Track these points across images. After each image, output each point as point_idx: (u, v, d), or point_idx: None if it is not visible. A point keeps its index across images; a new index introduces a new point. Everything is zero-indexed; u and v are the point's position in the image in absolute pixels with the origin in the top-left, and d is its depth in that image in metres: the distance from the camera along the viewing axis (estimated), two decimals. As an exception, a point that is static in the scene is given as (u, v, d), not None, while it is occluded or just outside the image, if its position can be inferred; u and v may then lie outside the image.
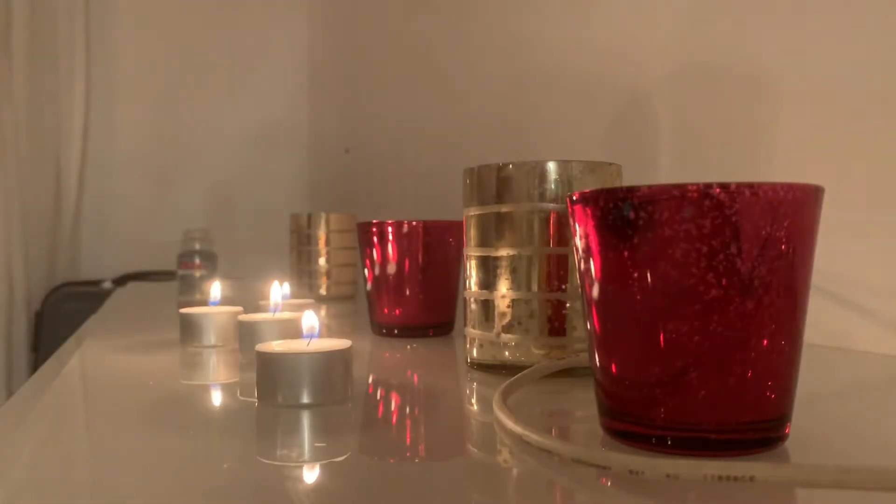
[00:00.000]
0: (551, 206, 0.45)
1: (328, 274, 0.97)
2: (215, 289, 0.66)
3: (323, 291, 0.97)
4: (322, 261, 0.97)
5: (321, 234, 0.98)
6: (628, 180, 0.44)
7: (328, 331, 0.69)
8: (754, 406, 0.29)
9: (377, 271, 0.63)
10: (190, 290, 1.12)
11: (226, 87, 1.83)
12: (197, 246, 1.20)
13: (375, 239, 0.63)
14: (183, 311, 0.60)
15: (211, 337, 0.58)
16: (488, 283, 0.47)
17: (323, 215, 0.99)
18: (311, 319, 0.43)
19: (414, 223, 0.62)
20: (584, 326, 0.41)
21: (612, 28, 0.78)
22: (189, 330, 0.59)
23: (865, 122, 0.52)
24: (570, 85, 0.85)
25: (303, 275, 0.98)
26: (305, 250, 0.98)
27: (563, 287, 0.45)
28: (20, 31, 1.58)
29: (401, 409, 0.42)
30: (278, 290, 0.57)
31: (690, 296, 0.28)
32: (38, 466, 0.32)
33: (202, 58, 1.81)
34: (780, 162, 0.58)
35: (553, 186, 0.45)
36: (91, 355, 0.62)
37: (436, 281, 0.63)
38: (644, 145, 0.72)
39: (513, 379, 0.39)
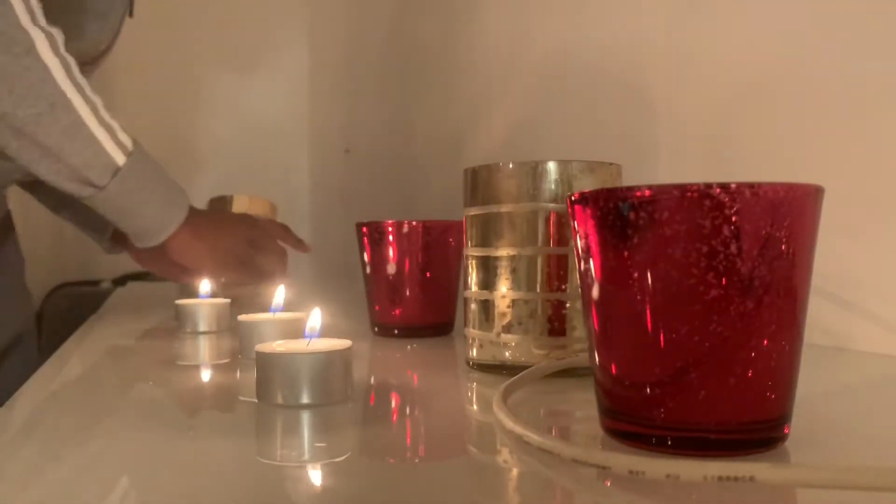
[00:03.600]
0: (551, 206, 0.45)
1: None
2: (204, 285, 0.71)
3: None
4: None
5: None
6: (628, 180, 0.44)
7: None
8: (754, 406, 0.29)
9: (377, 271, 0.63)
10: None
11: (226, 87, 1.83)
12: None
13: (375, 239, 0.63)
14: (178, 301, 0.68)
15: (202, 324, 0.66)
16: (488, 283, 0.47)
17: (242, 198, 0.96)
18: (315, 320, 0.43)
19: (414, 223, 0.62)
20: (584, 326, 0.41)
21: (612, 28, 0.78)
22: (183, 318, 0.67)
23: (865, 122, 0.52)
24: (569, 85, 0.85)
25: None
26: None
27: (563, 287, 0.45)
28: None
29: (401, 409, 0.42)
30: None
31: (690, 296, 0.28)
32: (39, 466, 0.32)
33: (202, 58, 1.81)
34: (780, 162, 0.58)
35: (553, 186, 0.45)
36: (91, 355, 0.62)
37: (436, 281, 0.63)
38: (644, 145, 0.72)
39: (513, 379, 0.39)
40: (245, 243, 0.80)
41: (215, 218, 0.85)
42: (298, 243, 0.90)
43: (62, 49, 0.66)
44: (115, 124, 0.69)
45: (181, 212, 0.75)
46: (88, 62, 0.84)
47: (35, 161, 0.67)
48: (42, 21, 0.65)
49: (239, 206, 0.96)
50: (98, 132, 0.67)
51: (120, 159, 0.69)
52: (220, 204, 0.98)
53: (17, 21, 0.63)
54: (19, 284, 0.95)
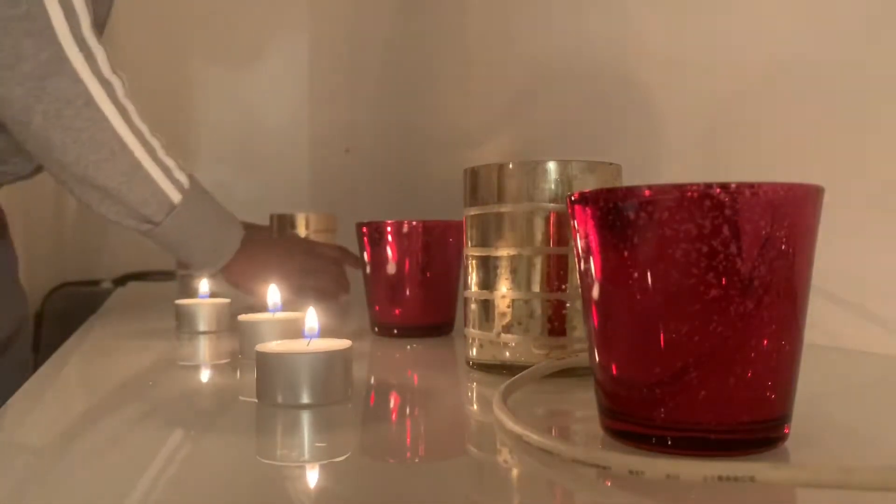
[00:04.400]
0: (551, 206, 0.45)
1: None
2: (203, 285, 0.72)
3: None
4: None
5: (301, 235, 1.00)
6: (628, 180, 0.44)
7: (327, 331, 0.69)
8: (754, 406, 0.29)
9: (377, 271, 0.63)
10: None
11: (226, 87, 1.83)
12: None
13: (375, 239, 0.63)
14: (178, 301, 0.67)
15: (202, 324, 0.66)
16: (488, 283, 0.47)
17: (303, 216, 1.00)
18: (312, 320, 0.43)
19: (414, 223, 0.62)
20: (584, 326, 0.41)
21: (612, 28, 0.78)
22: (183, 318, 0.66)
23: (865, 122, 0.52)
24: (570, 85, 0.85)
25: None
26: None
27: (563, 287, 0.45)
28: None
29: (401, 409, 0.42)
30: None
31: (690, 296, 0.28)
32: (39, 467, 0.32)
33: (202, 58, 1.81)
34: (780, 162, 0.58)
35: (553, 186, 0.45)
36: (91, 355, 0.62)
37: (436, 281, 0.63)
38: (644, 145, 0.72)
39: (513, 379, 0.39)
40: (298, 269, 0.85)
41: (270, 246, 0.89)
42: (357, 262, 0.92)
43: (121, 96, 0.71)
44: (171, 164, 0.74)
45: (234, 243, 0.80)
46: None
47: (97, 202, 0.73)
48: (105, 71, 0.70)
49: (301, 222, 1.00)
50: (155, 173, 0.73)
51: (175, 197, 0.74)
52: (283, 221, 1.02)
53: (76, 75, 0.68)
54: (13, 284, 0.95)
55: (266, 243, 0.88)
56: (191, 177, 0.77)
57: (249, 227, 0.85)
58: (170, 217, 0.74)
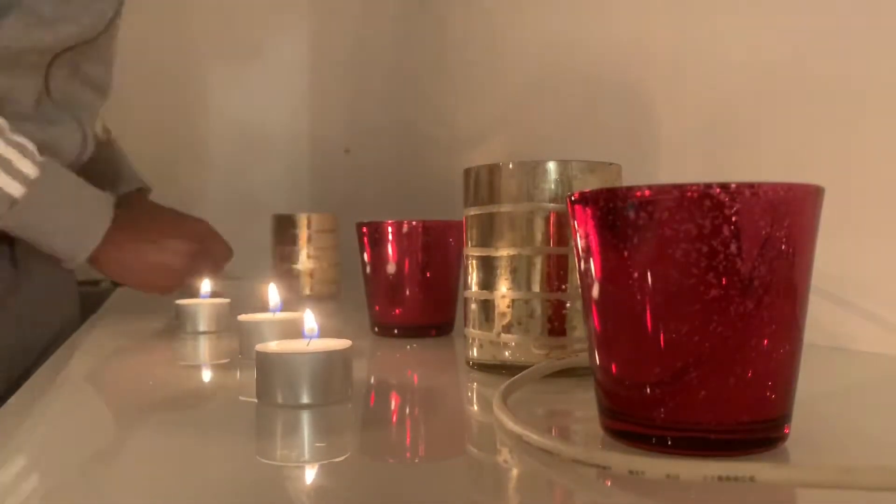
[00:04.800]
0: (551, 206, 0.45)
1: (311, 274, 0.98)
2: (204, 285, 0.72)
3: (307, 291, 0.97)
4: (305, 261, 0.98)
5: (302, 235, 1.00)
6: (628, 180, 0.44)
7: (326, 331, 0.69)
8: (754, 406, 0.29)
9: (377, 271, 0.63)
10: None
11: (226, 87, 1.83)
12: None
13: (375, 239, 0.63)
14: (178, 301, 0.67)
15: (202, 324, 0.66)
16: (488, 283, 0.47)
17: (304, 216, 1.01)
18: (310, 322, 0.43)
19: (414, 223, 0.62)
20: (584, 326, 0.41)
21: (612, 28, 0.78)
22: (183, 318, 0.66)
23: (865, 122, 0.52)
24: (570, 85, 0.85)
25: (285, 275, 0.99)
26: (288, 251, 0.99)
27: (563, 287, 0.45)
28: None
29: (401, 409, 0.42)
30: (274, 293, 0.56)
31: (690, 296, 0.28)
32: (38, 467, 0.32)
33: (202, 58, 1.81)
34: (780, 162, 0.58)
35: (553, 186, 0.45)
36: (91, 355, 0.62)
37: (436, 281, 0.63)
38: (644, 145, 0.72)
39: (513, 379, 0.39)
40: (170, 252, 0.80)
41: (140, 232, 0.81)
42: (223, 249, 0.88)
43: None
44: (13, 155, 0.68)
45: (96, 234, 0.74)
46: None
47: None
48: None
49: (302, 222, 1.01)
50: None
51: (17, 191, 0.68)
52: (284, 221, 1.02)
53: None
54: (68, 275, 0.94)
55: (136, 230, 0.80)
56: (43, 166, 0.70)
57: (132, 207, 0.79)
58: (12, 211, 0.68)
